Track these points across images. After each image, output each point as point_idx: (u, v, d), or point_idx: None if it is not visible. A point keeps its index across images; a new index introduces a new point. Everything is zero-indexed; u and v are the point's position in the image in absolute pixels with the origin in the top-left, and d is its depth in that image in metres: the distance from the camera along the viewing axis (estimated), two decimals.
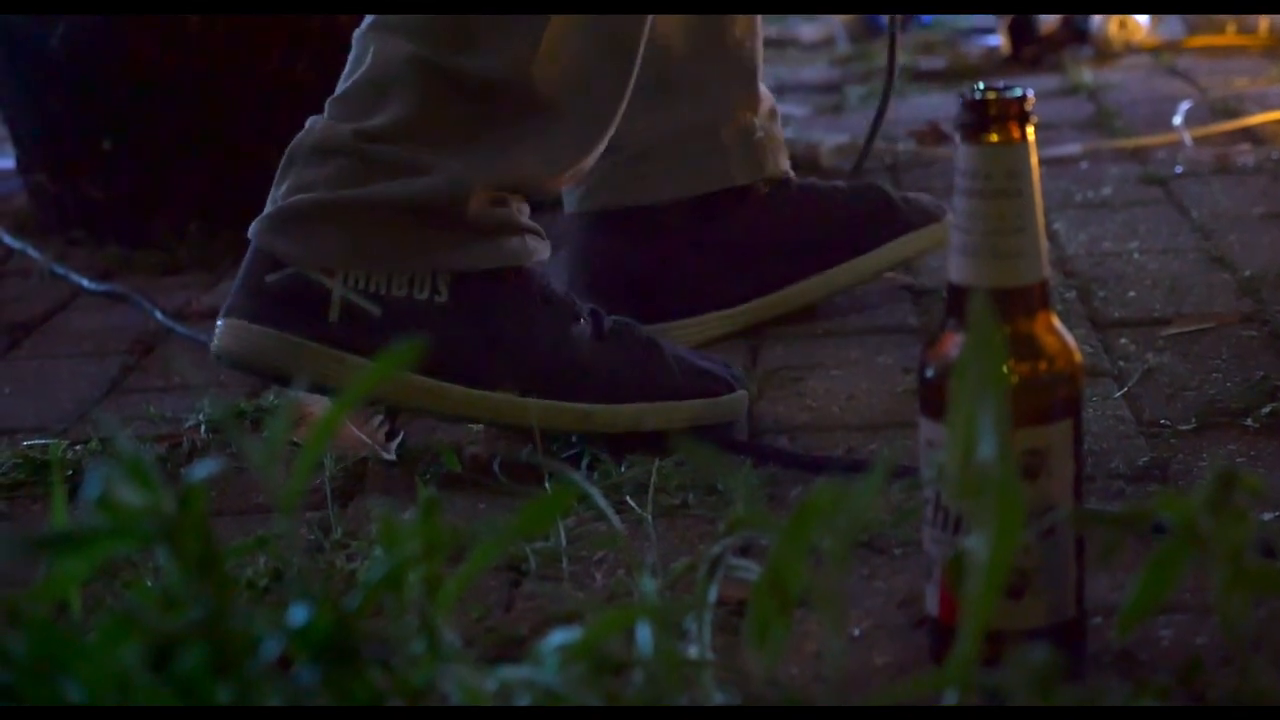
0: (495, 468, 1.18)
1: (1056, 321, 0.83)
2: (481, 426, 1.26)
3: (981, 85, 0.82)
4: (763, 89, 1.50)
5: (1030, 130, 0.81)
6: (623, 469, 1.15)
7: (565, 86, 1.21)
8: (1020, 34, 2.71)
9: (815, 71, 2.82)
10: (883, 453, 1.16)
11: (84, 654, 0.65)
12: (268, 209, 1.21)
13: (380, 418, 1.26)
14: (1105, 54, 2.69)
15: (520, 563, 1.02)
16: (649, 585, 0.80)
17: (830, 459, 1.17)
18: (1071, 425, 0.82)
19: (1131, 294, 1.49)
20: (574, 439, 1.21)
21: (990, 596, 0.69)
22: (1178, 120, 2.11)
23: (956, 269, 0.82)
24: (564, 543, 1.04)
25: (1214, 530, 0.71)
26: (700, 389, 1.22)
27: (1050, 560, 0.82)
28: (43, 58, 1.87)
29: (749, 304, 1.46)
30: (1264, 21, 2.72)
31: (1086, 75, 2.51)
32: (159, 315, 1.60)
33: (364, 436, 1.23)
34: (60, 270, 1.78)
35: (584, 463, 1.17)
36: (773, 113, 1.50)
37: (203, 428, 1.30)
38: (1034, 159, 0.81)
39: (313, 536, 1.08)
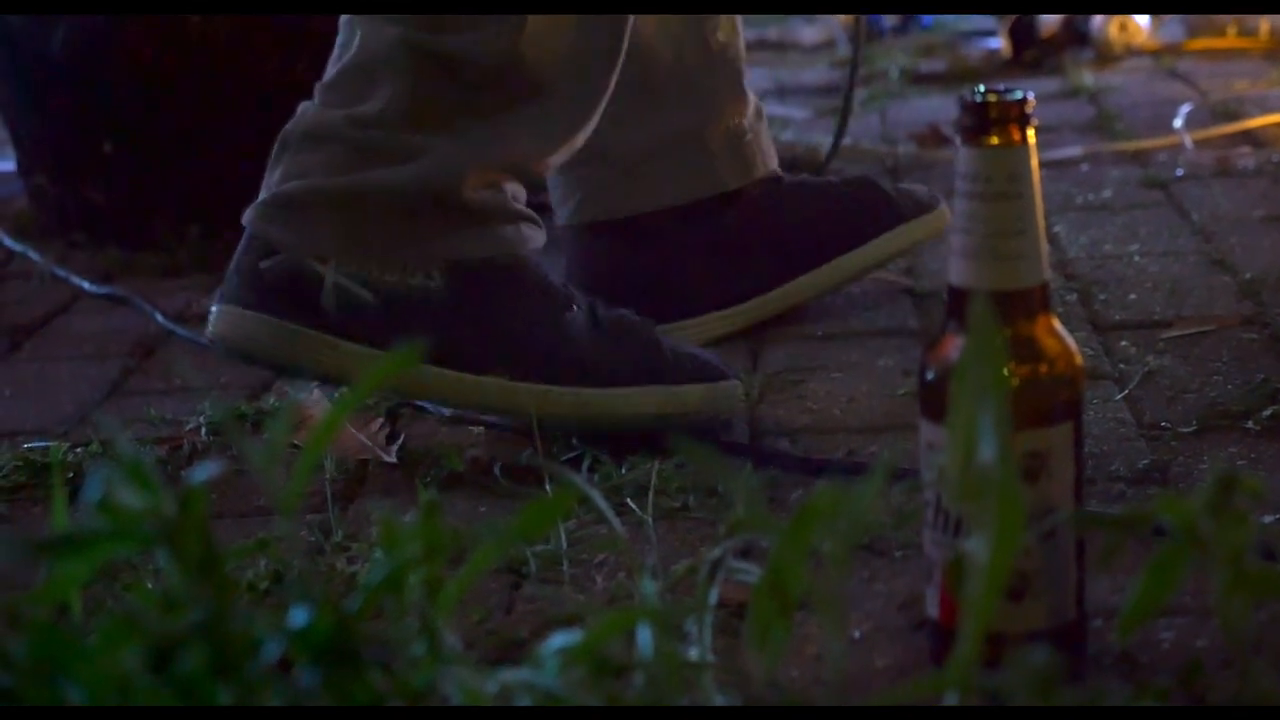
0: (496, 470, 1.18)
1: (1057, 324, 0.83)
2: (482, 429, 1.27)
3: (982, 88, 0.82)
4: (748, 90, 1.50)
5: (1031, 133, 0.81)
6: (623, 471, 1.15)
7: (555, 65, 1.22)
8: (1021, 37, 2.71)
9: (816, 74, 2.82)
10: (883, 455, 1.16)
11: (85, 656, 0.65)
12: (262, 195, 1.21)
13: (381, 420, 1.27)
14: (1106, 57, 2.69)
15: (521, 565, 1.02)
16: (649, 588, 0.80)
17: (831, 461, 1.17)
18: (1072, 428, 0.82)
19: (1132, 296, 1.49)
20: (574, 441, 1.21)
21: (990, 599, 0.69)
22: (1178, 123, 2.11)
23: (957, 271, 0.82)
24: (564, 545, 1.04)
25: (1214, 533, 0.71)
26: (695, 375, 1.23)
27: (1051, 562, 0.82)
28: (43, 60, 1.87)
29: (749, 303, 1.46)
30: (1264, 24, 2.73)
31: (1087, 78, 2.51)
32: (159, 318, 1.60)
33: (364, 439, 1.23)
34: (61, 273, 1.78)
35: (584, 465, 1.17)
36: (759, 113, 1.51)
37: (203, 430, 1.30)
38: (1034, 162, 0.81)
39: (313, 539, 1.08)
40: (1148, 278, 1.54)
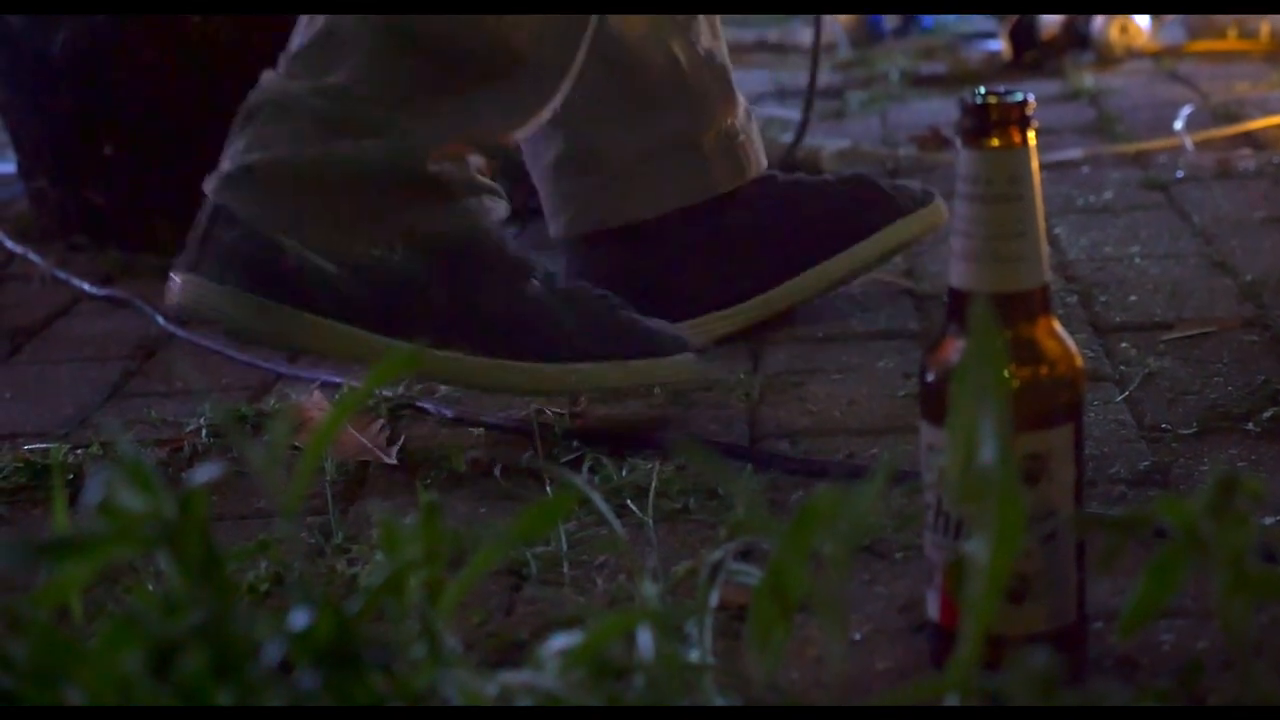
0: (496, 472, 1.18)
1: (1058, 326, 0.83)
2: (482, 431, 1.27)
3: (982, 90, 0.82)
4: (738, 92, 1.50)
5: (1031, 135, 0.81)
6: (624, 473, 1.15)
7: (526, 41, 1.22)
8: (1021, 39, 2.71)
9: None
10: (883, 457, 1.16)
11: (85, 659, 0.65)
12: (224, 166, 1.22)
13: (381, 422, 1.27)
14: (1106, 59, 2.69)
15: (521, 567, 1.02)
16: (650, 590, 0.80)
17: (831, 463, 1.17)
18: (1072, 430, 0.82)
19: (1133, 298, 1.49)
20: (575, 443, 1.21)
21: (991, 601, 0.69)
22: (1179, 125, 2.11)
23: (957, 274, 0.82)
24: (565, 547, 1.04)
25: (1215, 535, 0.71)
26: (649, 348, 1.23)
27: (1051, 565, 0.82)
28: (44, 63, 1.87)
29: (749, 302, 1.46)
30: (1265, 26, 2.73)
31: (1088, 80, 2.51)
32: (160, 320, 1.60)
33: (365, 440, 1.23)
34: (62, 275, 1.78)
35: (585, 467, 1.17)
36: (749, 114, 1.51)
37: (204, 432, 1.30)
38: (1035, 164, 0.81)
39: (314, 541, 1.08)
40: (1148, 280, 1.54)
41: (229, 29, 1.82)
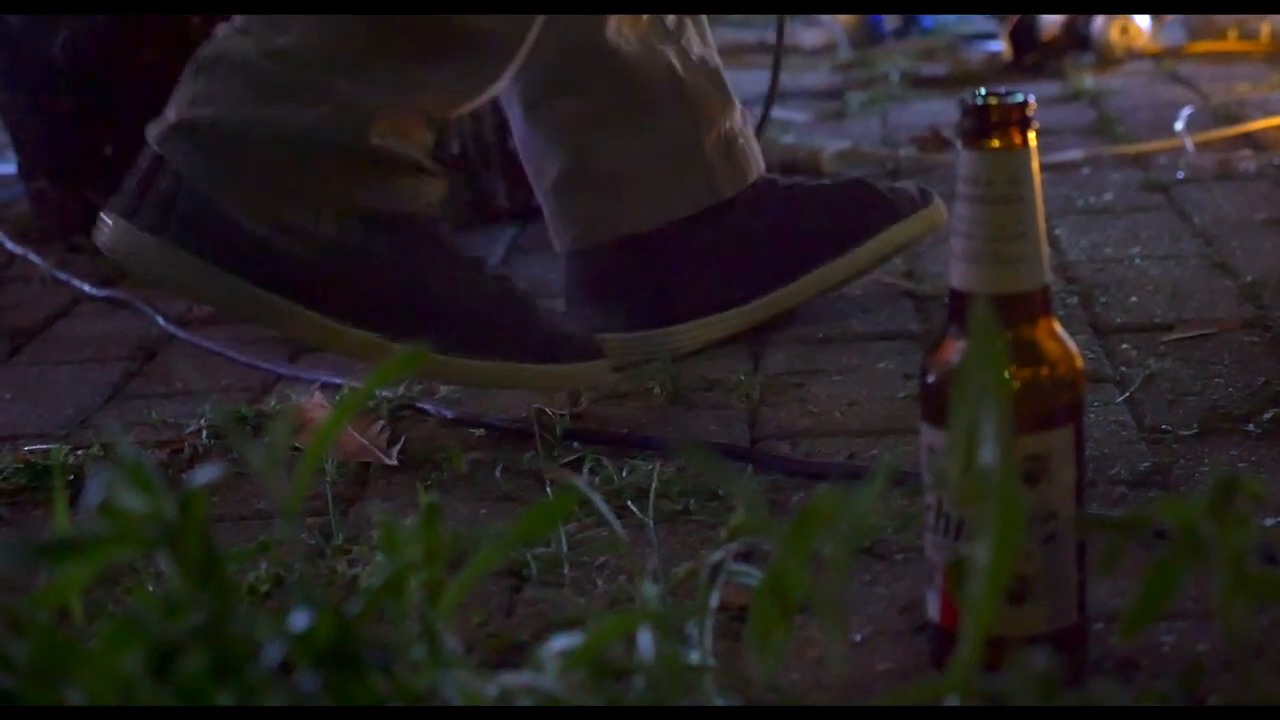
0: (496, 473, 1.18)
1: (1058, 327, 0.83)
2: (483, 431, 1.27)
3: (983, 91, 0.82)
4: (733, 95, 1.50)
5: (1032, 136, 0.81)
6: (624, 474, 1.15)
7: (483, 16, 1.23)
8: (1022, 40, 2.71)
9: (817, 77, 2.82)
10: (884, 458, 1.16)
11: (85, 660, 0.65)
12: (170, 115, 1.23)
13: (382, 422, 1.27)
14: (1107, 60, 2.69)
15: (521, 568, 1.02)
16: (650, 591, 0.80)
17: (831, 465, 1.17)
18: (1073, 431, 0.82)
19: (1133, 299, 1.49)
20: (575, 444, 1.22)
21: (991, 602, 0.69)
22: (1179, 126, 2.11)
23: (958, 274, 0.82)
24: (565, 548, 1.04)
25: (1216, 536, 0.70)
26: (559, 354, 1.25)
27: (1051, 566, 0.82)
28: (45, 63, 1.87)
29: (748, 305, 1.46)
30: (1266, 27, 2.73)
31: (1088, 81, 2.51)
32: (160, 321, 1.60)
33: (365, 441, 1.23)
34: (62, 276, 1.78)
35: (585, 468, 1.17)
36: (745, 115, 1.51)
37: (204, 433, 1.30)
38: (1035, 165, 0.81)
39: (314, 542, 1.08)
40: (1149, 281, 1.54)
41: None
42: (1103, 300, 1.50)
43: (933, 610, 0.85)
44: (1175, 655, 0.87)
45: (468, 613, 0.95)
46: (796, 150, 2.07)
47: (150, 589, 0.95)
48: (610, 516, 0.86)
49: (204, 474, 0.69)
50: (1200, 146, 2.04)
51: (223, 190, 1.20)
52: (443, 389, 1.35)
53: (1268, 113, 2.17)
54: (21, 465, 1.24)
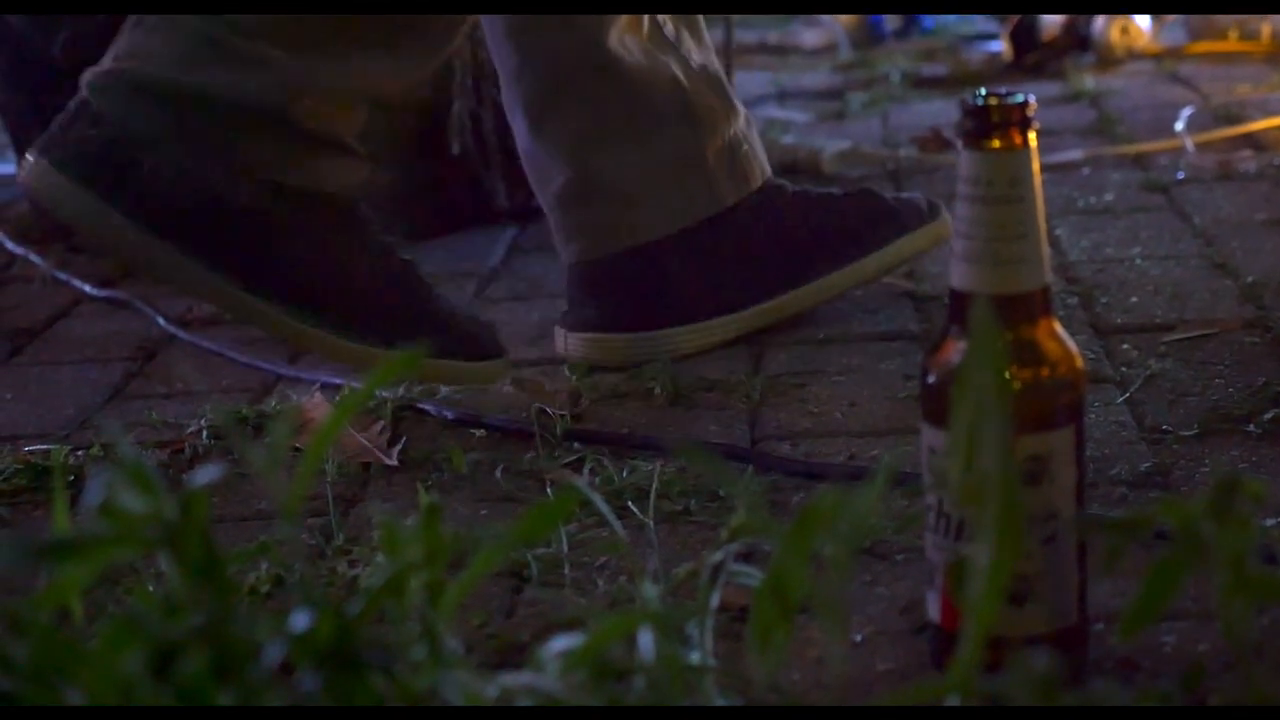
0: (497, 473, 1.18)
1: (1058, 327, 0.83)
2: (483, 432, 1.27)
3: (983, 91, 0.82)
4: (737, 100, 1.50)
5: (1032, 136, 0.81)
6: (624, 474, 1.15)
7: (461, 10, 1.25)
8: (1022, 40, 2.71)
9: (817, 77, 2.82)
10: (884, 459, 1.16)
11: (86, 660, 0.65)
12: (105, 62, 1.24)
13: (382, 423, 1.27)
14: (1107, 60, 2.69)
15: (522, 569, 1.02)
16: (651, 591, 0.80)
17: (832, 465, 1.17)
18: (1073, 431, 0.82)
19: (1134, 300, 1.49)
20: (576, 445, 1.22)
21: (992, 602, 0.69)
22: (1180, 126, 2.11)
23: (958, 275, 0.82)
24: (566, 549, 1.04)
25: (1216, 536, 0.71)
26: (455, 349, 1.26)
27: (1052, 566, 0.82)
28: (45, 63, 1.87)
29: (749, 310, 1.45)
30: (1266, 28, 2.73)
31: (1088, 81, 2.51)
32: (161, 321, 1.60)
33: (366, 442, 1.23)
34: (62, 276, 1.78)
35: (586, 468, 1.17)
36: (749, 121, 1.50)
37: (205, 433, 1.30)
38: (1036, 165, 0.81)
39: (314, 542, 1.08)
40: (1149, 281, 1.54)
41: None
42: (1103, 300, 1.50)
43: (933, 611, 0.85)
44: (1176, 656, 0.87)
45: (468, 613, 0.95)
46: (797, 150, 2.06)
47: (151, 589, 0.95)
48: (611, 517, 0.86)
49: (204, 474, 0.69)
50: (1201, 147, 2.04)
51: (144, 145, 1.21)
52: (443, 389, 1.35)
53: (1268, 113, 2.16)
54: (22, 465, 1.24)
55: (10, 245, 1.91)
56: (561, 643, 0.71)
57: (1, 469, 1.23)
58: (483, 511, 1.13)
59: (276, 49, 1.22)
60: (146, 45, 1.23)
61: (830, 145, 2.09)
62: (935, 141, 2.15)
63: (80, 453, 1.26)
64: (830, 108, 2.53)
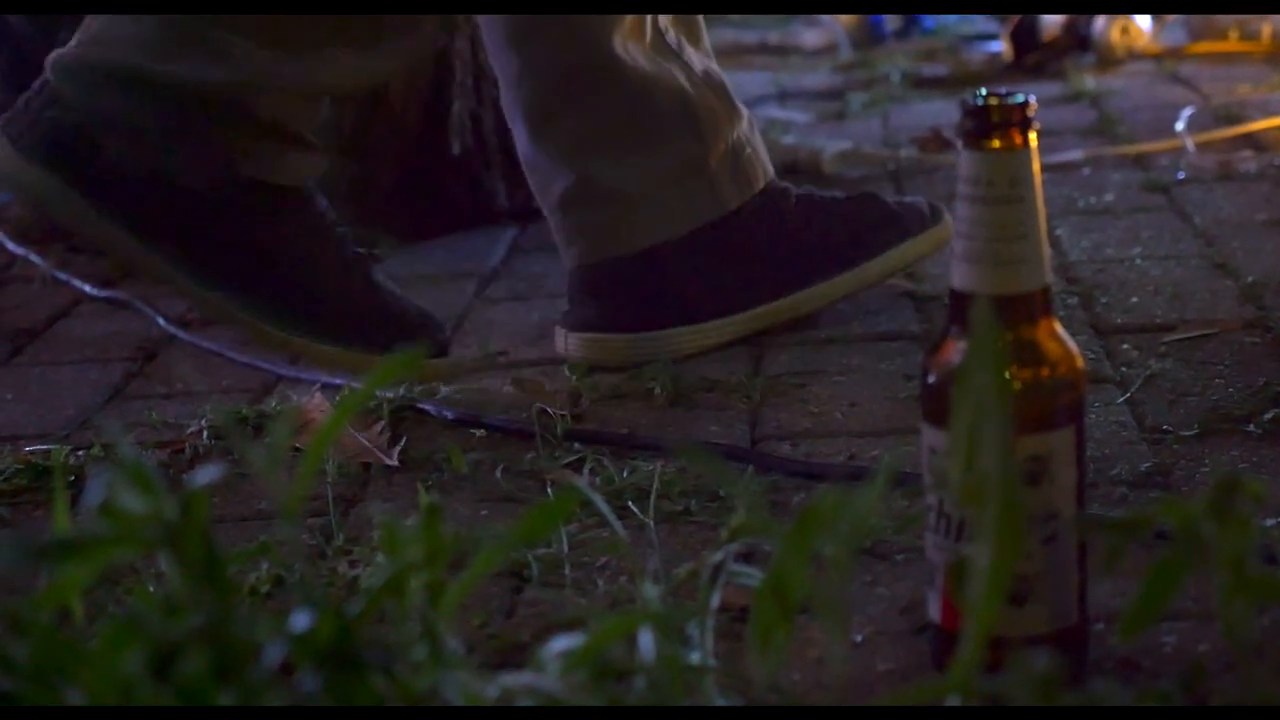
0: (497, 473, 1.18)
1: (1059, 328, 0.83)
2: (484, 432, 1.27)
3: (984, 91, 0.82)
4: (739, 103, 1.50)
5: (1033, 136, 0.81)
6: (625, 475, 1.15)
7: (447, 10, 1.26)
8: (1022, 41, 2.71)
9: (818, 78, 2.82)
10: (885, 459, 1.15)
11: (86, 660, 0.65)
12: (72, 44, 1.25)
13: (382, 423, 1.27)
14: (1107, 60, 2.69)
15: (522, 569, 1.02)
16: (651, 591, 0.80)
17: (832, 465, 1.17)
18: (1074, 432, 0.82)
19: (1134, 300, 1.49)
20: (576, 445, 1.22)
21: (992, 603, 0.69)
22: (1180, 127, 2.11)
23: (959, 275, 0.82)
24: (566, 549, 1.04)
25: (1217, 537, 0.71)
26: (395, 347, 1.28)
27: (1053, 566, 0.82)
28: (44, 65, 1.87)
29: (749, 312, 1.45)
30: (1267, 28, 2.73)
31: (1089, 82, 2.51)
32: (161, 321, 1.60)
33: (366, 442, 1.23)
34: (62, 277, 1.78)
35: (586, 468, 1.17)
36: (752, 124, 1.50)
37: (205, 434, 1.30)
38: (1036, 165, 0.81)
39: (315, 542, 1.08)
40: (1149, 281, 1.54)
41: None
42: (1103, 301, 1.50)
43: (934, 611, 0.85)
44: (1176, 656, 0.87)
45: (469, 613, 0.95)
46: (797, 150, 2.06)
47: (151, 590, 0.95)
48: (611, 517, 0.86)
49: (205, 475, 0.69)
50: (1201, 147, 2.04)
51: (104, 130, 1.22)
52: (444, 389, 1.35)
53: (1268, 113, 2.16)
54: (22, 466, 1.24)
55: (10, 245, 1.91)
56: (562, 643, 0.71)
57: (2, 469, 1.23)
58: (483, 512, 1.13)
59: (242, 41, 1.23)
60: (112, 30, 1.24)
61: (831, 145, 2.09)
62: (935, 142, 2.15)
63: (80, 453, 1.26)
64: (831, 108, 2.53)
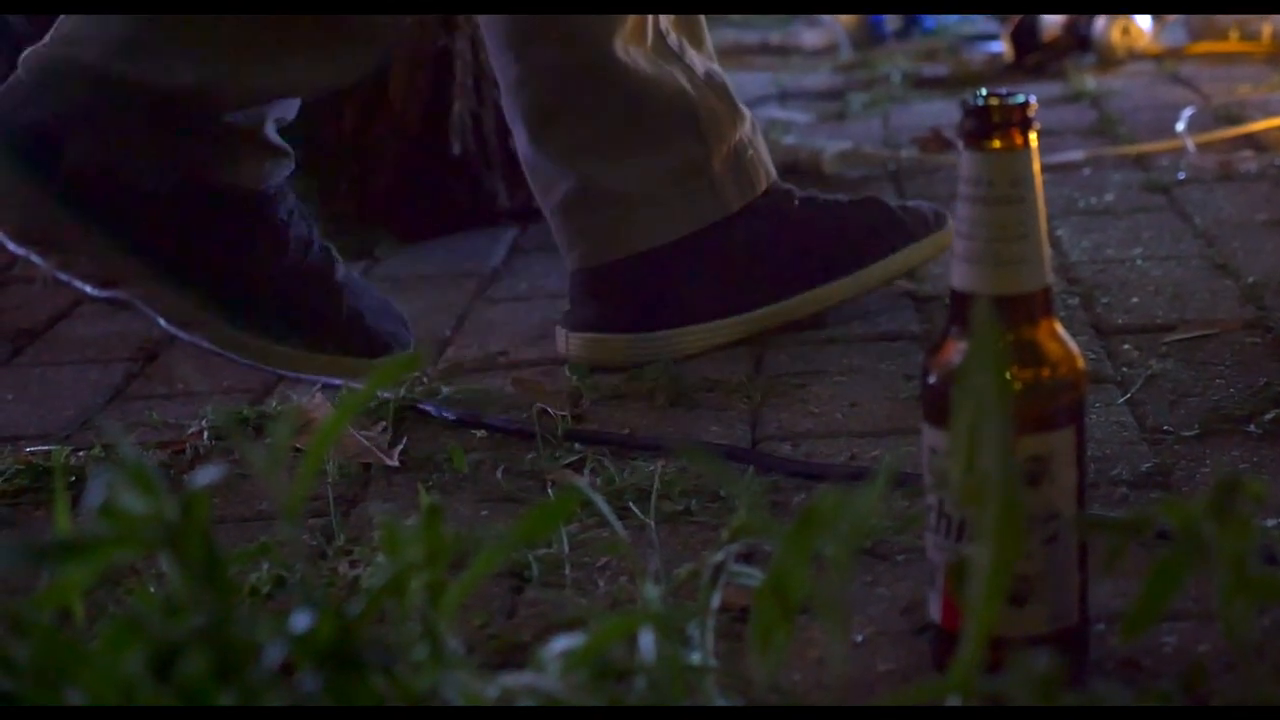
0: (498, 474, 1.18)
1: (1059, 328, 0.83)
2: (484, 433, 1.27)
3: (984, 92, 0.82)
4: (741, 105, 1.50)
5: (1033, 137, 0.81)
6: (625, 475, 1.15)
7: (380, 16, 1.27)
8: (1023, 41, 2.71)
9: (818, 78, 2.82)
10: (885, 459, 1.15)
11: (87, 661, 0.65)
12: (44, 44, 1.27)
13: (383, 423, 1.27)
14: (1108, 61, 2.69)
15: (523, 569, 1.02)
16: (652, 592, 0.80)
17: (833, 466, 1.17)
18: (1074, 432, 0.82)
19: (1135, 300, 1.49)
20: (577, 445, 1.22)
21: (993, 603, 0.69)
22: (1180, 127, 2.11)
23: (959, 275, 0.82)
24: (566, 549, 1.04)
25: (1217, 537, 0.71)
26: (360, 348, 1.32)
27: (1053, 567, 0.82)
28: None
29: (752, 313, 1.45)
30: (1267, 28, 2.73)
31: (1089, 82, 2.52)
32: (162, 322, 1.59)
33: (367, 442, 1.23)
34: (63, 277, 1.78)
35: (586, 469, 1.17)
36: (754, 125, 1.50)
37: (205, 434, 1.30)
38: (1037, 165, 0.81)
39: (315, 543, 1.08)
40: (1150, 281, 1.54)
41: None
42: (1104, 301, 1.50)
43: (934, 611, 0.85)
44: (1177, 656, 0.87)
45: (469, 614, 0.95)
46: (798, 151, 2.06)
47: (152, 590, 0.95)
48: (612, 517, 0.86)
49: (205, 475, 0.69)
50: (1201, 147, 2.04)
51: (68, 130, 1.23)
52: (444, 389, 1.35)
53: (1269, 114, 2.16)
54: (23, 466, 1.24)
55: (11, 246, 1.90)
56: (562, 643, 0.71)
57: (2, 469, 1.23)
58: (484, 512, 1.13)
59: (208, 44, 1.23)
60: (79, 28, 1.26)
61: (831, 146, 2.09)
62: (936, 142, 2.15)
63: (81, 453, 1.26)
64: (831, 108, 2.53)
